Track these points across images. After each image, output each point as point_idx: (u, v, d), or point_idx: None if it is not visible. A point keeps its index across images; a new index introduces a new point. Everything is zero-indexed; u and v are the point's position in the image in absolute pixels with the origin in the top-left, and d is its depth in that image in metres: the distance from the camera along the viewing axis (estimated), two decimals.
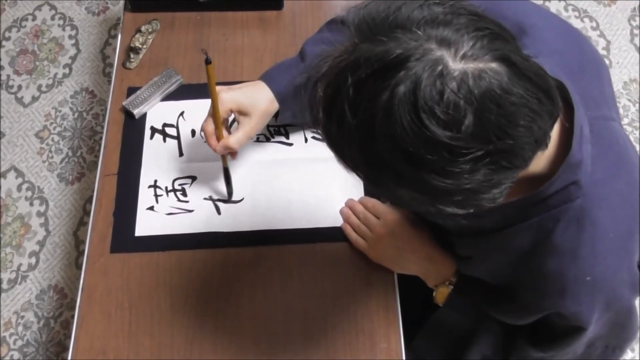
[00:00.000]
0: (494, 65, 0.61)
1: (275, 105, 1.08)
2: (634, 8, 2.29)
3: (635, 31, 2.24)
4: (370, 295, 1.10)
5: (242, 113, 1.06)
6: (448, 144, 0.60)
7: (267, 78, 1.09)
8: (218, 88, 1.03)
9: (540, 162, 0.75)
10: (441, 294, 1.04)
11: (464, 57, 0.60)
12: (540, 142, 0.67)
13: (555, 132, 0.76)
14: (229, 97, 1.04)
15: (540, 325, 0.90)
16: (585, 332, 0.85)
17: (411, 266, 1.08)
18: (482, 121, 0.60)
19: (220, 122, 1.04)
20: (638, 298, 0.90)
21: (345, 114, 0.63)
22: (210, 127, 1.05)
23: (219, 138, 1.06)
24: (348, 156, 0.69)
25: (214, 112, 1.04)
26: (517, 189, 0.74)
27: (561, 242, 0.79)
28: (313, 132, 1.24)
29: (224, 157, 1.12)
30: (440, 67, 0.60)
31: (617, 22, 2.26)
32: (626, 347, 0.95)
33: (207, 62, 0.96)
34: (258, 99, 1.06)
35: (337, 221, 1.15)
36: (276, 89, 1.08)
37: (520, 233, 0.82)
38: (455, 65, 0.60)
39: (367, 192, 1.17)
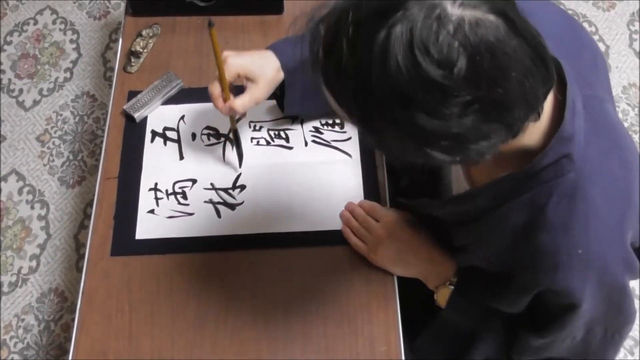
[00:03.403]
0: (491, 17, 0.62)
1: (281, 75, 1.10)
2: (633, 13, 2.29)
3: (634, 36, 2.25)
4: (370, 299, 1.10)
5: (249, 79, 1.07)
6: (440, 83, 0.61)
7: (275, 48, 1.11)
8: (227, 53, 1.06)
9: (533, 135, 0.77)
10: (442, 295, 1.05)
11: (462, 4, 0.62)
12: (532, 106, 0.68)
13: (548, 107, 0.77)
14: (236, 62, 1.05)
15: (536, 310, 0.91)
16: (580, 310, 0.85)
17: (411, 268, 1.08)
18: (475, 67, 0.61)
19: (226, 84, 1.06)
20: (635, 288, 0.91)
21: (344, 52, 0.65)
22: (217, 90, 1.06)
23: (225, 100, 1.07)
24: (344, 98, 0.70)
25: (219, 75, 1.05)
26: (510, 164, 0.76)
27: (553, 216, 0.80)
28: (313, 135, 1.24)
29: (232, 119, 1.14)
30: (438, 11, 0.61)
31: (616, 26, 2.27)
32: (625, 332, 0.94)
33: (210, 25, 0.99)
34: (265, 66, 1.08)
35: (337, 224, 1.15)
36: (283, 59, 1.09)
37: (514, 210, 0.83)
38: (454, 11, 0.62)
39: (367, 197, 1.18)
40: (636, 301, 0.97)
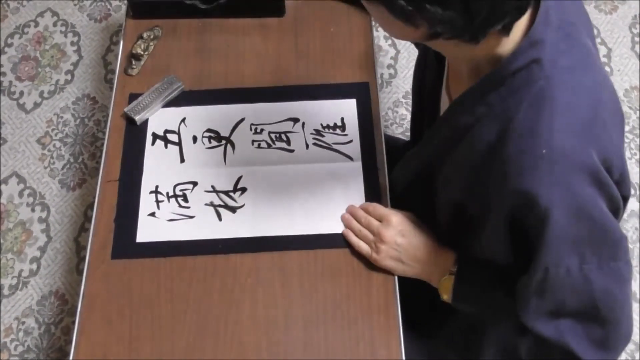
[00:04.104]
0: None
1: None
2: (635, 16, 2.29)
3: (636, 39, 2.25)
4: (371, 302, 1.09)
5: None
6: None
7: None
8: None
9: (505, 45, 0.81)
10: (445, 288, 1.05)
11: None
12: (498, 9, 0.72)
13: (522, 22, 0.80)
14: None
15: (522, 253, 0.88)
16: (553, 220, 0.80)
17: (414, 267, 1.08)
18: None
19: None
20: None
21: None
22: None
23: None
24: None
25: None
26: (481, 69, 0.79)
27: (521, 123, 0.80)
28: (314, 138, 1.24)
29: None
30: None
31: (618, 29, 2.27)
32: (622, 262, 0.88)
33: None
34: None
35: (338, 227, 1.15)
36: None
37: (487, 125, 0.84)
38: None
39: (369, 200, 1.18)
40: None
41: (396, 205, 1.15)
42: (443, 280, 1.05)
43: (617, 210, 0.87)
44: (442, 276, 1.06)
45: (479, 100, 0.85)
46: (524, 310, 0.91)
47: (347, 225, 1.14)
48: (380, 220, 1.11)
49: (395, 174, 1.16)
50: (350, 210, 1.15)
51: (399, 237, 1.08)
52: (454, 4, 0.70)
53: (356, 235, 1.12)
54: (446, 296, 1.06)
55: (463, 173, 0.92)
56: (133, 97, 1.28)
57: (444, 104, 1.05)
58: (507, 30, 0.76)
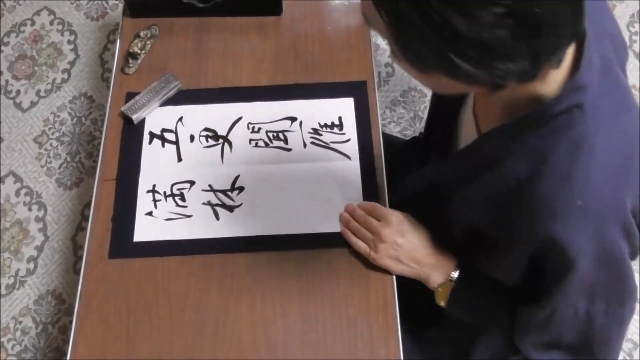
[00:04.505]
0: None
1: None
2: (633, 14, 2.29)
3: (634, 37, 2.25)
4: (369, 302, 1.09)
5: None
6: None
7: None
8: None
9: (548, 84, 0.77)
10: (442, 294, 1.05)
11: None
12: (559, 42, 0.69)
13: (567, 60, 0.77)
14: None
15: (535, 279, 0.89)
16: (577, 269, 0.82)
17: (412, 267, 1.08)
18: None
19: None
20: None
21: None
22: None
23: None
24: None
25: None
26: (521, 107, 0.75)
27: (556, 166, 0.79)
28: (312, 137, 1.24)
29: None
30: None
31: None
32: (628, 311, 0.90)
33: None
34: None
35: (336, 227, 1.15)
36: None
37: (519, 161, 0.82)
38: None
39: (367, 199, 1.18)
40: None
41: (400, 209, 1.14)
42: (441, 286, 1.05)
43: (635, 252, 0.88)
44: (440, 280, 1.05)
45: (514, 137, 0.83)
46: (521, 339, 0.95)
47: (345, 225, 1.14)
48: (379, 220, 1.11)
49: (409, 181, 1.14)
50: (349, 210, 1.15)
51: (398, 236, 1.08)
52: (522, 53, 0.67)
53: (355, 234, 1.12)
54: (442, 302, 1.05)
55: (487, 202, 0.90)
56: (130, 96, 1.28)
57: (468, 122, 1.03)
58: (560, 62, 0.73)
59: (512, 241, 0.87)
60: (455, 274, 1.04)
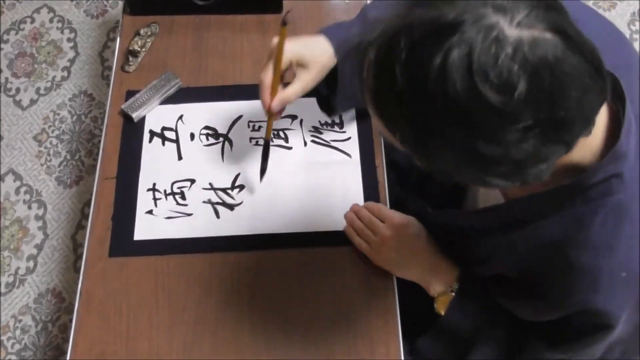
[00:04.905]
0: (548, 35, 0.61)
1: (334, 60, 1.05)
2: (634, 12, 2.29)
3: (635, 35, 2.24)
4: (370, 300, 1.09)
5: (300, 65, 1.02)
6: (500, 109, 0.60)
7: (327, 33, 1.06)
8: (277, 38, 1.00)
9: (582, 150, 0.74)
10: (442, 302, 1.04)
11: (519, 24, 0.61)
12: (589, 121, 0.67)
13: (600, 122, 0.75)
14: (289, 47, 1.01)
15: (560, 324, 0.88)
16: (613, 332, 0.83)
17: (413, 271, 1.08)
18: (535, 88, 0.60)
19: (279, 74, 1.01)
20: None
21: (397, 77, 0.63)
22: (269, 78, 1.01)
23: (273, 93, 1.02)
24: (396, 123, 0.68)
25: (276, 67, 1.00)
26: (557, 177, 0.73)
27: (598, 236, 0.77)
28: (312, 135, 1.24)
29: (269, 128, 1.11)
30: (495, 32, 0.60)
31: (617, 26, 2.26)
32: None
33: (283, 24, 0.97)
34: (318, 51, 1.03)
35: (337, 225, 1.14)
36: (337, 43, 1.04)
37: (552, 225, 0.81)
38: (511, 32, 0.60)
39: (367, 197, 1.17)
40: None
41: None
42: (442, 295, 1.04)
43: None
44: (441, 288, 1.04)
45: (548, 203, 0.81)
46: None
47: (349, 224, 1.13)
48: (383, 222, 1.10)
49: (422, 212, 1.11)
50: (354, 209, 1.14)
51: (400, 241, 1.07)
52: (554, 152, 0.66)
53: (358, 234, 1.11)
54: (441, 310, 1.04)
55: (516, 257, 0.88)
56: (130, 94, 1.28)
57: None
58: (590, 130, 0.70)
59: (540, 296, 0.87)
60: (456, 285, 1.03)
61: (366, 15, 1.09)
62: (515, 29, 0.61)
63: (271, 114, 1.06)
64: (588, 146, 0.75)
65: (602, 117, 0.75)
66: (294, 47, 1.01)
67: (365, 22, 1.08)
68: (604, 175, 0.75)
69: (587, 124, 0.67)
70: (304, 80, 1.02)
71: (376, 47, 0.67)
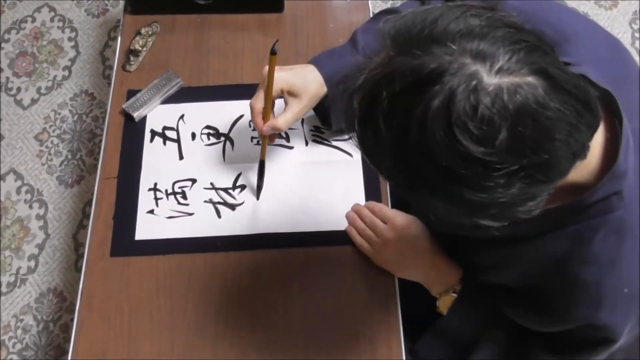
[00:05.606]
0: (530, 79, 0.60)
1: (324, 89, 1.07)
2: (635, 11, 2.28)
3: (637, 34, 2.24)
4: (372, 300, 1.09)
5: (291, 94, 1.05)
6: (482, 159, 0.60)
7: (317, 62, 1.08)
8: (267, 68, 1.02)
9: (580, 171, 0.73)
10: (444, 303, 1.04)
11: (499, 71, 0.60)
12: (578, 154, 0.66)
13: (597, 141, 0.75)
14: (280, 76, 1.02)
15: (563, 335, 0.88)
16: (615, 345, 0.84)
17: (414, 272, 1.08)
18: (517, 136, 0.59)
19: (270, 102, 1.03)
20: None
21: (380, 126, 0.63)
22: (260, 104, 1.03)
23: (266, 119, 1.05)
24: (383, 167, 0.69)
25: (267, 94, 1.02)
26: (555, 197, 0.72)
27: (599, 252, 0.78)
28: (314, 135, 1.23)
29: (263, 148, 1.12)
30: (474, 82, 0.59)
31: (619, 25, 2.26)
32: None
33: (273, 52, 0.98)
34: (309, 80, 1.05)
35: (338, 225, 1.14)
36: (326, 73, 1.06)
37: (555, 241, 0.81)
38: (490, 80, 0.59)
39: (369, 196, 1.17)
40: None
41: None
42: (444, 296, 1.04)
43: None
44: (443, 289, 1.04)
45: (550, 221, 0.80)
46: None
47: (351, 224, 1.13)
48: (385, 222, 1.10)
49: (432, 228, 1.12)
50: (356, 209, 1.14)
51: (402, 241, 1.07)
52: (544, 190, 0.65)
53: (360, 234, 1.11)
54: (443, 310, 1.04)
55: (518, 269, 0.89)
56: (131, 93, 1.28)
57: None
58: (585, 156, 0.69)
59: (543, 309, 0.87)
60: (458, 287, 1.03)
61: (356, 41, 1.11)
62: (494, 77, 0.59)
63: (264, 137, 1.09)
64: (585, 166, 0.74)
65: (598, 136, 0.75)
66: (285, 76, 1.03)
67: (355, 48, 1.10)
68: (603, 194, 0.76)
69: (576, 158, 0.66)
70: (295, 109, 1.05)
71: (360, 96, 0.67)
